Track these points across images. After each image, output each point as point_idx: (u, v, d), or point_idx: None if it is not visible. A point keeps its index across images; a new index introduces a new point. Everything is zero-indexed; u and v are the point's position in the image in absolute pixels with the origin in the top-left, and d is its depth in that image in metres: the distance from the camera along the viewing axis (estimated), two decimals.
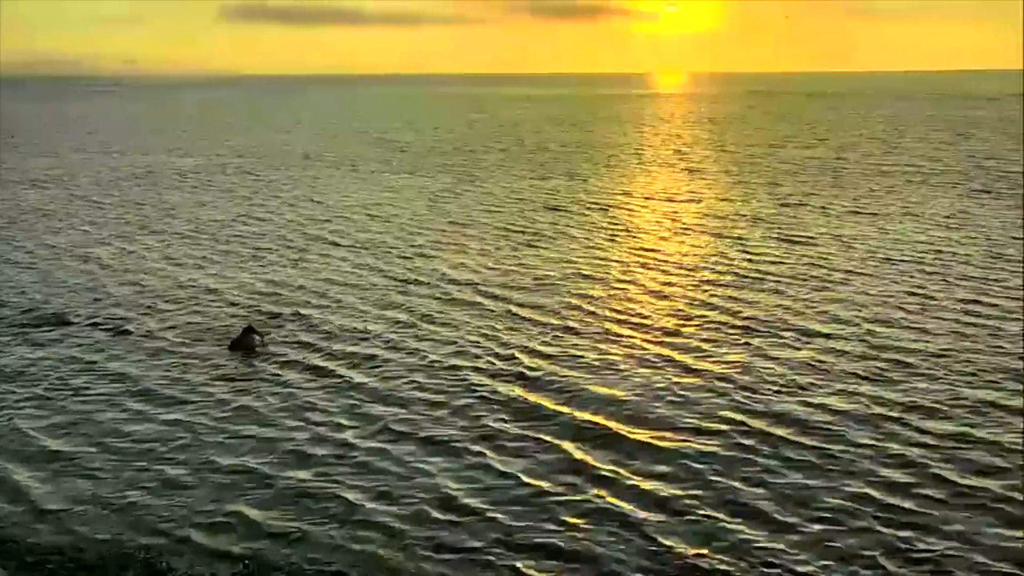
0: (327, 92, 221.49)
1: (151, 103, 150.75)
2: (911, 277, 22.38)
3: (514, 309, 19.70)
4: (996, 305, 19.67)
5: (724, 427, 13.34)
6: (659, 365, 16.03)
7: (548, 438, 13.04)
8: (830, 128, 78.08)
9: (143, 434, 13.42)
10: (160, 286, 22.46)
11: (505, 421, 13.65)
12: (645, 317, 19.03)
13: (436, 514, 10.91)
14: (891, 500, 11.15)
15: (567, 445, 12.77)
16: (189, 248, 27.30)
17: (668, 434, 13.11)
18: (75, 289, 22.16)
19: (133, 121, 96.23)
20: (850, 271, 23.10)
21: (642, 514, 10.83)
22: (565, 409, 14.07)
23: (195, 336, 18.14)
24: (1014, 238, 27.14)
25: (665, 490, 11.42)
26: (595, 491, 11.40)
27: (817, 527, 10.55)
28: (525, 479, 11.76)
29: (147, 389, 15.28)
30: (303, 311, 19.77)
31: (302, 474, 12.00)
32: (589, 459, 12.31)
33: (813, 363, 16.04)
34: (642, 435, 13.08)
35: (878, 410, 13.91)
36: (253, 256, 26.00)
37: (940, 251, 25.49)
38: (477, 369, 15.94)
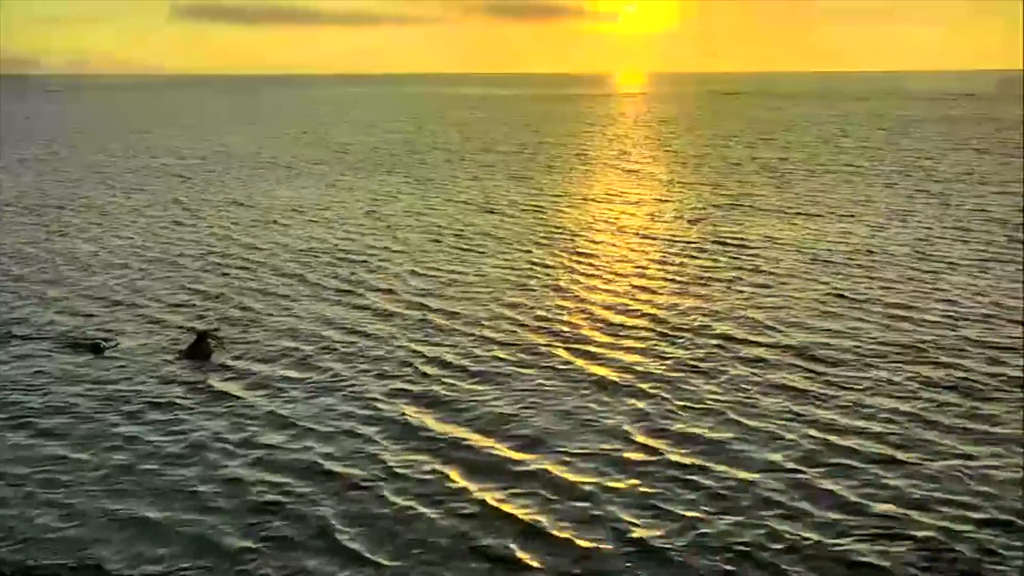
0: (280, 92, 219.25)
1: (98, 103, 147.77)
2: (841, 278, 22.22)
3: (432, 317, 19.18)
4: (920, 307, 19.54)
5: (643, 440, 12.92)
6: (576, 377, 15.58)
7: (437, 460, 12.52)
8: (778, 128, 78.63)
9: (99, 448, 12.74)
10: (96, 293, 21.68)
11: (406, 438, 13.14)
12: (567, 324, 18.60)
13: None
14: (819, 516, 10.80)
15: (464, 463, 12.28)
16: (118, 254, 26.37)
17: (581, 446, 12.67)
18: (11, 299, 21.10)
19: (78, 121, 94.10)
20: (780, 273, 22.90)
21: (557, 530, 10.38)
22: (466, 426, 13.57)
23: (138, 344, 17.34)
24: (942, 238, 27.23)
25: (578, 504, 10.98)
26: (493, 497, 10.93)
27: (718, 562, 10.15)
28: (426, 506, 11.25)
29: (100, 402, 14.58)
30: (216, 321, 19.06)
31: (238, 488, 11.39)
32: (491, 476, 11.84)
33: (739, 369, 15.71)
34: (550, 449, 12.62)
35: (807, 420, 13.57)
36: (173, 263, 25.18)
37: (871, 251, 25.46)
38: (381, 377, 15.41)
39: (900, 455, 12.32)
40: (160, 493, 11.46)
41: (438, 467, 12.09)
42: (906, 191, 37.42)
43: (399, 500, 11.18)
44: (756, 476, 11.74)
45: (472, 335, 17.84)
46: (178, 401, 14.56)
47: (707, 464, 12.08)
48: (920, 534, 10.32)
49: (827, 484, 11.52)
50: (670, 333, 17.85)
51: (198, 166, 49.88)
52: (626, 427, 13.33)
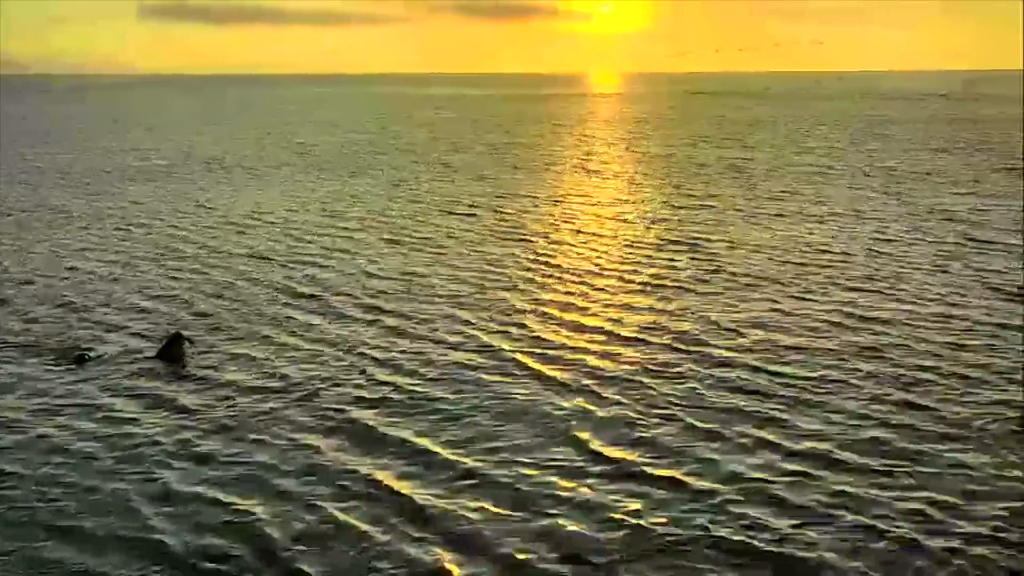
0: (247, 92, 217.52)
1: (65, 103, 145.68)
2: (800, 279, 22.17)
3: (387, 320, 18.90)
4: (877, 308, 19.50)
5: (597, 445, 12.72)
6: (532, 381, 15.34)
7: (385, 474, 12.24)
8: (746, 128, 78.99)
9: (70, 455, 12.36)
10: (56, 295, 21.27)
11: (358, 445, 12.86)
12: (523, 328, 18.34)
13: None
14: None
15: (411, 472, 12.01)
16: (71, 259, 25.83)
17: (535, 452, 12.45)
18: None
19: (42, 121, 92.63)
20: (740, 274, 22.82)
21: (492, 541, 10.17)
22: (419, 433, 13.32)
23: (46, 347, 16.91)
24: (900, 239, 27.29)
25: (527, 511, 10.77)
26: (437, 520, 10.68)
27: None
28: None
29: (76, 407, 14.28)
30: (168, 327, 18.66)
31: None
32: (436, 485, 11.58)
33: (697, 371, 15.55)
34: (504, 456, 12.39)
35: (764, 422, 13.42)
36: (128, 265, 24.73)
37: (831, 252, 25.45)
38: (335, 384, 15.12)
39: (859, 459, 12.20)
40: (97, 504, 11.18)
41: (382, 475, 11.82)
42: (867, 191, 37.59)
43: (344, 514, 10.88)
44: (714, 483, 11.56)
45: (428, 339, 17.55)
46: (125, 410, 14.21)
47: (662, 470, 11.88)
48: (884, 541, 10.19)
49: (786, 492, 11.33)
50: (628, 335, 17.66)
51: (160, 168, 49.18)
52: (579, 432, 13.11)
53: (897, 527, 10.45)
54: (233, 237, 28.85)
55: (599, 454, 12.44)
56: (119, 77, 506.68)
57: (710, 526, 10.43)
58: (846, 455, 12.31)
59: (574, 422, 13.52)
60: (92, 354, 16.67)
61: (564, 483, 11.59)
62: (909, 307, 19.60)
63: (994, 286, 21.33)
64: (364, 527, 10.58)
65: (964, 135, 66.77)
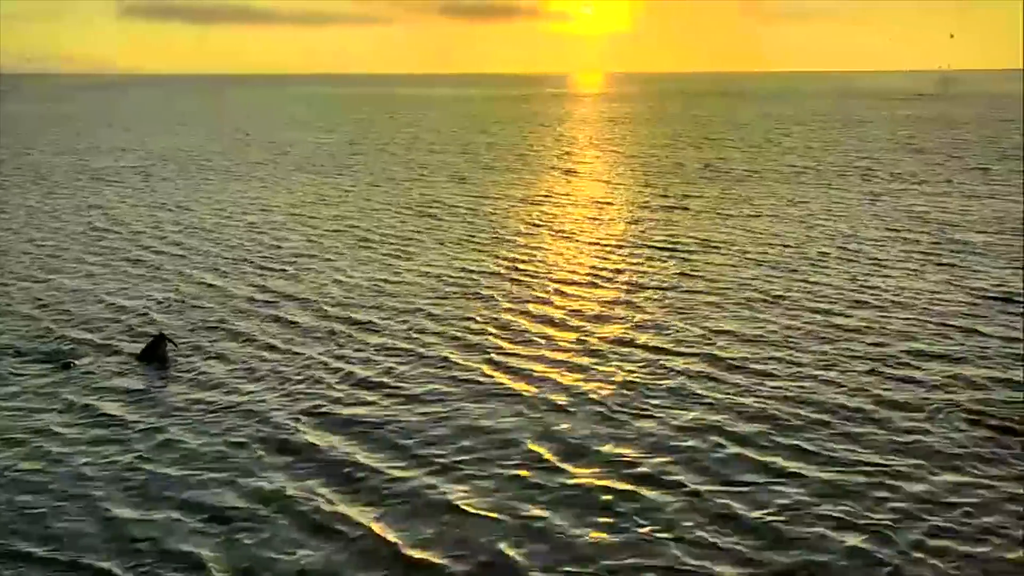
0: (230, 92, 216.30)
1: (42, 103, 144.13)
2: (772, 281, 22.14)
3: (351, 328, 18.70)
4: (847, 312, 19.48)
5: (552, 458, 12.58)
6: (496, 391, 15.16)
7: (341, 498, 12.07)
8: (724, 128, 79.12)
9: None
10: (34, 299, 21.09)
11: (308, 462, 12.69)
12: (490, 335, 18.15)
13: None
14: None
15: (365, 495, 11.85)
16: (52, 261, 25.50)
17: (491, 467, 12.31)
18: None
19: (18, 122, 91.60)
20: (712, 277, 22.74)
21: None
22: (376, 448, 13.15)
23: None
24: (873, 239, 27.34)
25: (476, 530, 10.63)
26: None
27: None
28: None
29: (64, 411, 14.18)
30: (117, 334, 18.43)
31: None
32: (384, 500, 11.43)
33: (667, 380, 15.45)
34: (458, 473, 12.23)
35: (730, 431, 13.35)
36: (105, 266, 24.48)
37: (804, 254, 25.44)
38: (290, 397, 14.94)
39: (822, 469, 12.15)
40: (80, 506, 11.15)
41: (329, 493, 11.58)
42: (843, 192, 37.66)
43: (291, 532, 10.66)
44: (675, 498, 11.43)
45: (391, 348, 17.30)
46: (111, 412, 14.10)
47: (622, 484, 11.68)
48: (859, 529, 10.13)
49: (742, 504, 11.19)
50: (598, 343, 17.46)
51: (134, 168, 48.70)
52: (537, 445, 12.90)
53: (872, 515, 10.42)
54: (208, 238, 28.58)
55: (559, 468, 12.22)
56: (97, 77, 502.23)
57: (678, 553, 10.12)
58: (824, 455, 12.29)
59: (535, 435, 13.24)
60: (76, 361, 16.43)
61: (519, 503, 11.25)
62: (882, 308, 19.62)
63: (968, 287, 21.38)
64: (345, 524, 10.49)
65: (938, 135, 67.16)
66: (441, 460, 12.37)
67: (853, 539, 10.24)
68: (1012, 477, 11.67)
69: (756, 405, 14.16)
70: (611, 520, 10.74)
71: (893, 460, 12.18)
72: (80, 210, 34.66)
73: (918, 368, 15.74)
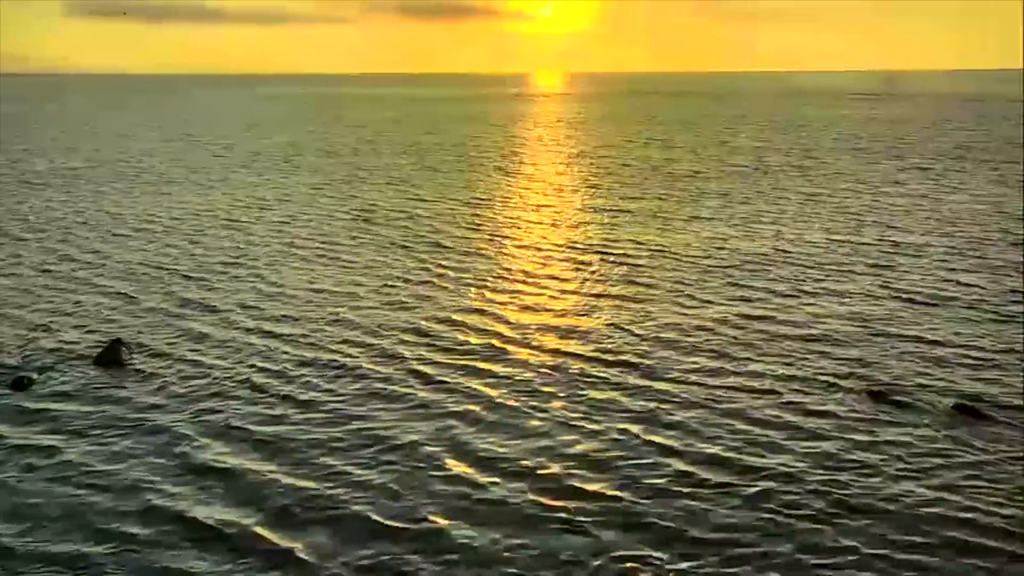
0: (177, 93, 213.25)
1: None
2: (711, 282, 21.83)
3: (267, 342, 18.04)
4: (785, 317, 19.21)
5: (486, 477, 12.08)
6: (411, 401, 14.67)
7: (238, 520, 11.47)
8: (675, 128, 79.33)
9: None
10: None
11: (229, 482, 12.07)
12: (422, 347, 17.56)
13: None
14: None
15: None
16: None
17: (421, 484, 11.79)
18: None
19: None
20: (651, 280, 22.41)
21: None
22: (304, 464, 12.59)
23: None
24: (812, 241, 27.22)
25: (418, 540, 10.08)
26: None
27: None
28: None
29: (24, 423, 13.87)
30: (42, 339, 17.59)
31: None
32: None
33: (608, 387, 15.04)
34: (392, 492, 11.69)
35: (669, 445, 12.94)
36: (44, 272, 23.75)
37: (743, 254, 25.22)
38: (214, 412, 14.27)
39: (741, 478, 11.76)
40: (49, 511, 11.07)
41: (237, 509, 11.06)
42: (785, 192, 37.66)
43: (196, 549, 10.22)
44: (589, 504, 11.03)
45: (307, 360, 16.69)
46: (70, 418, 13.88)
47: (538, 497, 11.31)
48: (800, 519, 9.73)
49: (704, 507, 10.97)
50: (518, 351, 17.02)
51: (69, 173, 47.33)
52: (450, 456, 12.48)
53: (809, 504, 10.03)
54: (140, 246, 27.66)
55: (472, 480, 11.81)
56: (46, 77, 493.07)
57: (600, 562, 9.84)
58: (743, 463, 11.92)
59: (448, 446, 12.87)
60: (32, 372, 15.89)
61: (429, 513, 10.94)
62: (817, 308, 19.45)
63: (898, 288, 21.27)
64: (253, 540, 10.03)
65: (879, 134, 67.83)
66: (353, 472, 11.98)
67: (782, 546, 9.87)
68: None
69: (677, 412, 13.85)
70: (524, 530, 10.47)
71: (799, 464, 11.85)
72: (14, 217, 33.37)
73: (834, 364, 15.49)
